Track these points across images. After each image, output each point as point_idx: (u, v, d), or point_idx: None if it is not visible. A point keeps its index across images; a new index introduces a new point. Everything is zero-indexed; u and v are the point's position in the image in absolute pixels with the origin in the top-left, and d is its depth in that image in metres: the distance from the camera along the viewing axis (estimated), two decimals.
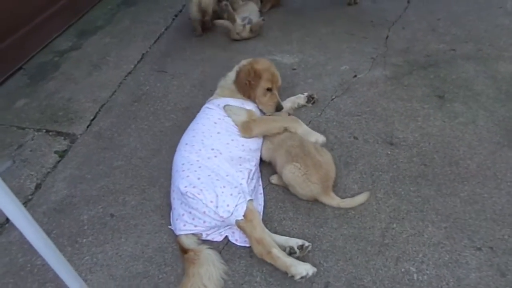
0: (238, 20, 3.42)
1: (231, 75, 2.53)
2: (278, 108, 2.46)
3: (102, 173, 2.40)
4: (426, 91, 2.77)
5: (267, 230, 1.93)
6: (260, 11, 3.75)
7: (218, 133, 2.18)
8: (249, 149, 2.22)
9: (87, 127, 2.74)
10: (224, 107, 2.31)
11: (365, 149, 2.39)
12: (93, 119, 2.80)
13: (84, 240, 2.05)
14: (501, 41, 3.19)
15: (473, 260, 1.79)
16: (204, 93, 2.91)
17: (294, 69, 3.12)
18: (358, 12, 3.78)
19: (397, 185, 2.15)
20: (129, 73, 3.23)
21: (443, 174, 2.19)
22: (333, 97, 2.80)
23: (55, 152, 2.54)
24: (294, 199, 2.12)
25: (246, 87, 2.40)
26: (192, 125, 2.31)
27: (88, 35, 3.73)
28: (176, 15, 3.95)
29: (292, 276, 1.73)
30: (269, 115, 2.46)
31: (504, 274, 1.73)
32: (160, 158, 2.46)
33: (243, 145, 2.20)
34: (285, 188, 2.15)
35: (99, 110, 2.87)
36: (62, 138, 2.65)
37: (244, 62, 2.53)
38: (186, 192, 1.89)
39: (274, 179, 2.23)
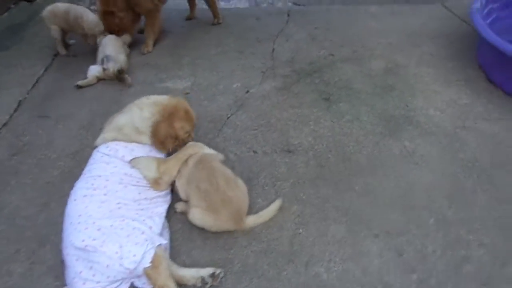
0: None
1: (135, 117, 2.20)
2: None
3: None
4: (314, 96, 2.94)
5: (175, 265, 1.83)
6: (143, 53, 3.62)
7: (125, 187, 1.99)
8: (159, 196, 2.10)
9: None
10: (131, 161, 2.09)
11: (264, 161, 2.42)
12: None
13: None
14: (370, 41, 3.54)
15: (374, 247, 1.89)
16: (93, 133, 2.71)
17: (187, 93, 3.08)
18: (244, 30, 3.90)
19: (298, 190, 2.22)
20: (5, 124, 2.88)
21: (338, 171, 2.32)
22: (229, 115, 2.82)
23: None
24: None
25: (167, 145, 2.18)
26: (90, 177, 2.02)
27: None
28: (56, 54, 3.67)
29: None
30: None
31: (401, 253, 1.86)
32: (49, 212, 2.21)
33: (153, 197, 2.06)
34: None
35: None
36: None
37: (151, 108, 2.21)
38: (86, 246, 1.71)
39: (179, 207, 2.13)
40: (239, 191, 2.01)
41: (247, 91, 3.04)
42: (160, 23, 3.73)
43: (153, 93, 3.03)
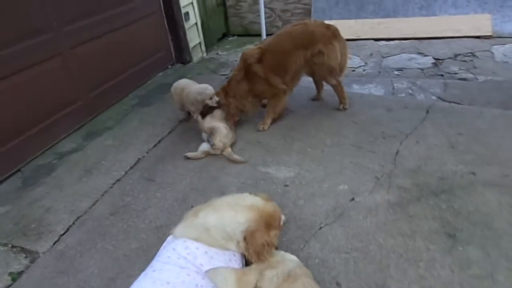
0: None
1: (226, 219, 1.95)
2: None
3: None
4: (434, 226, 2.31)
5: None
6: (258, 130, 3.59)
7: None
8: None
9: (54, 243, 2.55)
10: (208, 272, 1.87)
11: None
12: (63, 234, 2.63)
13: None
14: None
15: None
16: (183, 209, 2.67)
17: (287, 185, 2.82)
18: (370, 122, 3.51)
19: None
20: (118, 180, 3.12)
21: None
22: (322, 224, 2.43)
23: (9, 274, 2.35)
24: None
25: (264, 255, 1.92)
26: (159, 280, 1.80)
27: (94, 136, 3.79)
28: (182, 119, 3.94)
29: None
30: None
31: None
32: None
33: None
34: None
35: (73, 223, 2.72)
36: (24, 256, 2.47)
37: (246, 213, 1.95)
38: None
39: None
40: None
41: (352, 199, 2.61)
42: (284, 105, 3.66)
43: (253, 177, 2.95)
